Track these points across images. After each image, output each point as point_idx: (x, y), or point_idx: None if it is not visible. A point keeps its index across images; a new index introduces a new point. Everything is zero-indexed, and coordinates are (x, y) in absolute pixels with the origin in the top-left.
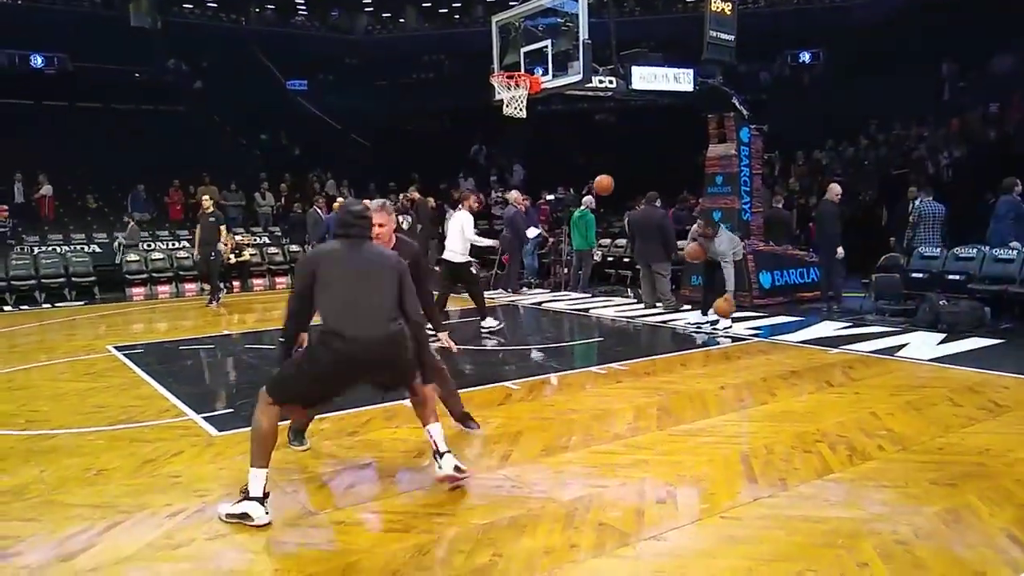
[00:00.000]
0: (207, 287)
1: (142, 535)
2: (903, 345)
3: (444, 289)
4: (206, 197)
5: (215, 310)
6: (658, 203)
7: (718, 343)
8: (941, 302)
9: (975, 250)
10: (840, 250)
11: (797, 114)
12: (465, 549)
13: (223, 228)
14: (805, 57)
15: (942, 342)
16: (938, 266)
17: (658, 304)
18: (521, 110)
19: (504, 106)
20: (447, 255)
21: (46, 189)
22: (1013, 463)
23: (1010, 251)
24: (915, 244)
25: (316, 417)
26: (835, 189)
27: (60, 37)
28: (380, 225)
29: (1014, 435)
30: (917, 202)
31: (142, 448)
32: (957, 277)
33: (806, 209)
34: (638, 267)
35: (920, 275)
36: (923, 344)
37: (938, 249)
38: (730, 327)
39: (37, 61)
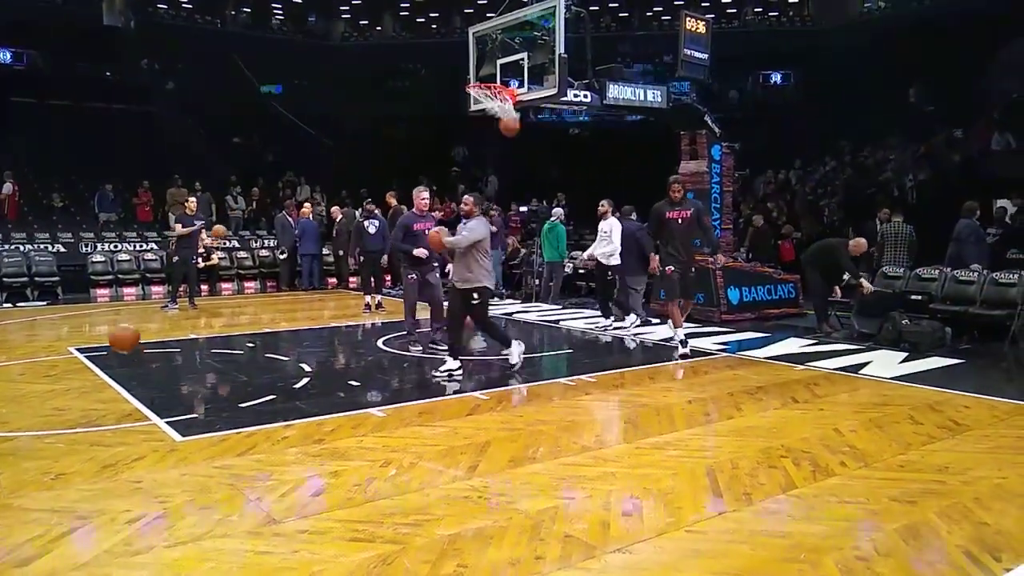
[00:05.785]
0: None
1: (100, 541)
2: (866, 363)
3: None
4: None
5: (184, 313)
6: (634, 216)
7: (681, 358)
8: (904, 322)
9: (937, 271)
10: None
11: (766, 134)
12: (430, 559)
13: (179, 227)
14: (776, 78)
15: (904, 361)
16: (901, 286)
17: (627, 318)
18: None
19: (494, 116)
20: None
21: (7, 188)
22: (972, 481)
23: (970, 273)
24: (881, 264)
25: (282, 424)
26: (862, 245)
27: (31, 33)
28: None
29: (973, 453)
30: (879, 225)
31: (102, 452)
32: (919, 297)
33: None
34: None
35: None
36: (886, 362)
37: (902, 269)
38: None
39: (6, 56)
